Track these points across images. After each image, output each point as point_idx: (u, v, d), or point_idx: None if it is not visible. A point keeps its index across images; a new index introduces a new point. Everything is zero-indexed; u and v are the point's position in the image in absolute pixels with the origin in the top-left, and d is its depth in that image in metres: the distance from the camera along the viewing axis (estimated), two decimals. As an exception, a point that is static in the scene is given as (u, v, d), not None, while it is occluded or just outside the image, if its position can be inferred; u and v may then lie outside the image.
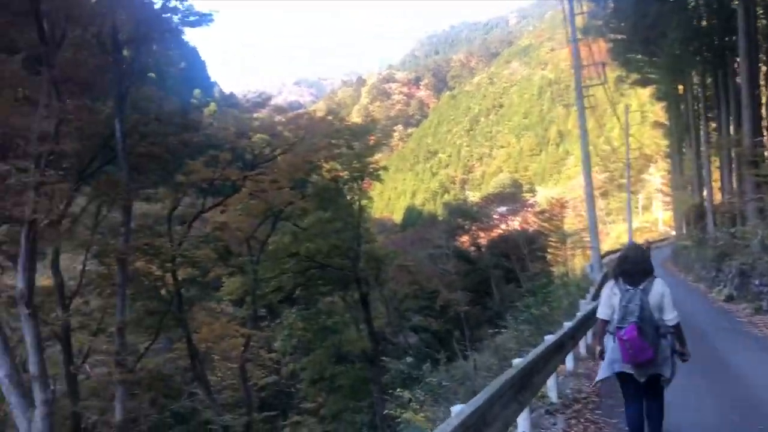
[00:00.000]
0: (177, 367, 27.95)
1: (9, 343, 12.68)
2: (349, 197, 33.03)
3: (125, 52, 16.93)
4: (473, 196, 76.51)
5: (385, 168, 37.55)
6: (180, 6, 17.61)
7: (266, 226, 26.56)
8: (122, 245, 15.14)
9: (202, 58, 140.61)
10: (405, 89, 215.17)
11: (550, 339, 8.52)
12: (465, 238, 48.39)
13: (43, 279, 22.90)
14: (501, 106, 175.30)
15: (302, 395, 33.13)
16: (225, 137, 25.49)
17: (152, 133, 22.28)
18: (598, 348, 5.63)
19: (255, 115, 28.17)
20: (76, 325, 21.37)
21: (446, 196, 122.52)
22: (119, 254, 15.18)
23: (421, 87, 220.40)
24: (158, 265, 21.32)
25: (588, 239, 30.05)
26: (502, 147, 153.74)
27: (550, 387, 8.21)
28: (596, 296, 15.67)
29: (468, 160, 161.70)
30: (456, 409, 4.36)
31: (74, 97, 13.58)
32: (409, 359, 26.69)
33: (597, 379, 5.93)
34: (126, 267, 15.33)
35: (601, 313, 5.54)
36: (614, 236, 66.93)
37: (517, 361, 6.77)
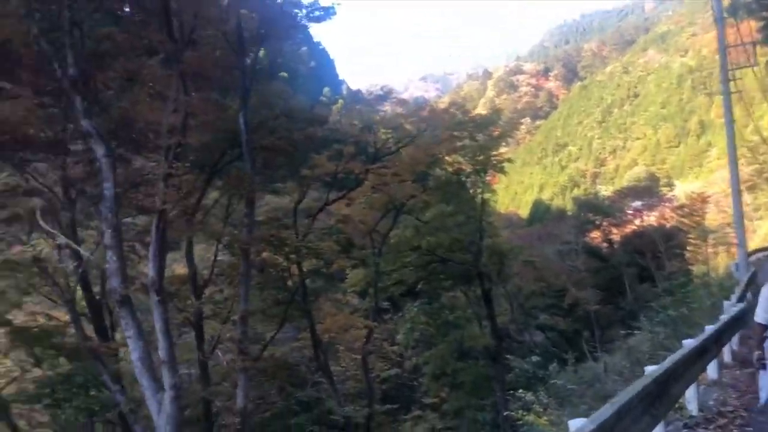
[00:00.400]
0: (303, 356, 28.73)
1: (142, 329, 13.30)
2: (471, 191, 32.39)
3: (250, 49, 17.36)
4: (605, 191, 73.09)
5: (509, 160, 36.43)
6: (304, 1, 17.86)
7: (388, 219, 26.56)
8: (246, 236, 15.57)
9: (331, 57, 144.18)
10: (533, 81, 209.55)
11: (689, 344, 7.60)
12: (596, 234, 46.26)
13: (179, 268, 24.24)
14: (636, 95, 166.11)
15: (424, 390, 32.93)
16: (349, 131, 25.82)
17: (279, 128, 22.94)
18: (756, 353, 4.88)
19: (378, 109, 28.19)
20: (208, 312, 22.42)
21: (576, 191, 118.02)
22: (242, 245, 15.63)
23: (550, 78, 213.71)
24: (284, 256, 21.86)
25: (733, 236, 27.57)
26: (638, 139, 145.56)
27: (690, 398, 7.31)
28: (742, 297, 14.22)
29: (600, 153, 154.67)
30: (576, 424, 3.76)
31: (200, 92, 14.08)
32: (534, 358, 25.82)
33: (764, 397, 5.11)
34: (249, 257, 15.76)
35: (760, 317, 4.80)
36: (763, 233, 61.34)
37: (650, 369, 5.99)
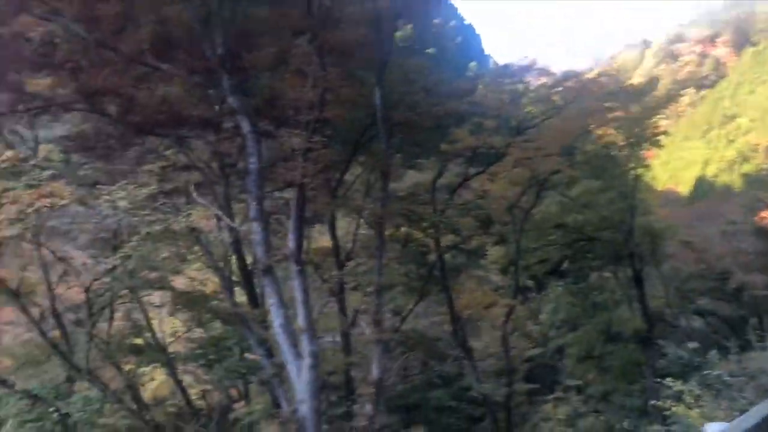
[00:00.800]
0: (443, 331, 28.88)
1: (284, 297, 13.92)
2: (624, 166, 30.58)
3: (389, 25, 17.35)
4: (780, 166, 66.32)
5: (666, 133, 33.94)
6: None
7: (530, 194, 25.76)
8: (379, 210, 15.77)
9: (477, 33, 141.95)
10: (697, 48, 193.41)
11: None
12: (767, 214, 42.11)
13: (323, 241, 25.15)
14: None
15: (568, 371, 31.91)
16: (490, 104, 25.17)
17: (420, 103, 22.91)
18: None
19: (523, 81, 27.26)
20: (352, 284, 23.12)
21: (746, 166, 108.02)
22: (376, 218, 15.85)
23: (717, 44, 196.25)
24: (421, 231, 21.96)
25: None
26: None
27: None
28: None
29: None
30: (714, 429, 3.21)
31: (337, 67, 14.34)
32: (691, 345, 24.21)
33: None
34: (383, 231, 15.97)
35: None
36: None
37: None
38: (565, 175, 26.00)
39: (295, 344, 13.75)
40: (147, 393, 26.22)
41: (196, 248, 18.90)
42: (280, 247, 16.06)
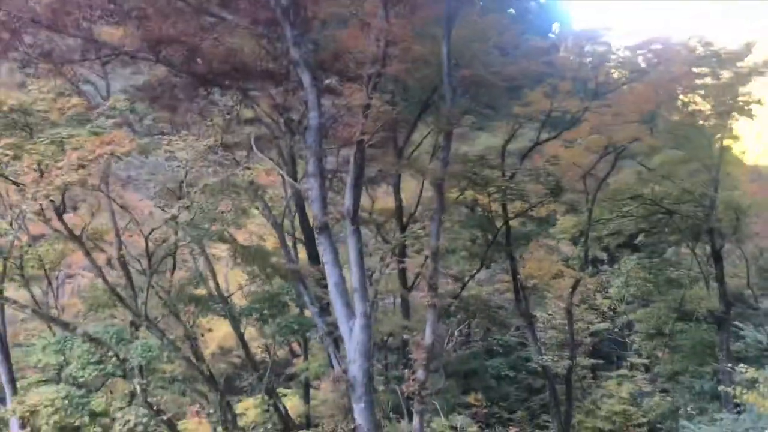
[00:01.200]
0: (507, 299, 28.29)
1: (338, 257, 13.71)
2: (709, 136, 28.68)
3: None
4: None
5: (759, 103, 31.59)
6: None
7: (605, 163, 24.51)
8: (440, 171, 15.20)
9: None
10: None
11: None
12: None
13: (388, 201, 24.84)
14: None
15: (635, 348, 30.83)
16: (568, 65, 23.93)
17: (493, 62, 22.03)
18: None
19: (604, 42, 25.72)
20: (417, 247, 22.74)
21: None
22: (436, 180, 15.31)
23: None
24: (487, 196, 21.30)
25: None
26: None
27: None
28: None
29: None
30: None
31: (403, 20, 13.73)
32: (771, 328, 22.81)
33: None
34: (443, 193, 15.44)
35: None
36: None
37: None
38: (645, 143, 24.56)
39: (348, 304, 13.58)
40: (213, 343, 27.02)
41: (258, 204, 18.98)
42: (336, 206, 15.83)
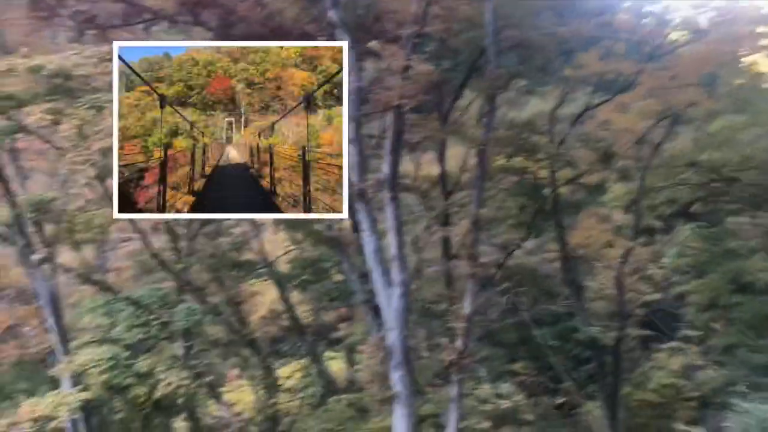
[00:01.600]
0: (555, 268, 27.65)
1: (377, 223, 13.51)
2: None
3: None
4: None
5: (831, 63, 29.77)
6: None
7: (660, 128, 23.49)
8: (483, 136, 14.73)
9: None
10: None
11: None
12: None
13: (433, 168, 24.42)
14: None
15: (688, 320, 29.84)
16: (623, 26, 22.91)
17: (544, 22, 21.28)
18: None
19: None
20: (459, 215, 22.35)
21: None
22: (478, 145, 14.85)
23: None
24: (535, 162, 20.71)
25: None
26: None
27: None
28: None
29: None
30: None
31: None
32: (837, 302, 21.85)
33: None
34: (485, 159, 14.98)
35: None
36: None
37: None
38: (704, 108, 23.44)
39: (386, 272, 13.42)
40: (263, 307, 27.42)
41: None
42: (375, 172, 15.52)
